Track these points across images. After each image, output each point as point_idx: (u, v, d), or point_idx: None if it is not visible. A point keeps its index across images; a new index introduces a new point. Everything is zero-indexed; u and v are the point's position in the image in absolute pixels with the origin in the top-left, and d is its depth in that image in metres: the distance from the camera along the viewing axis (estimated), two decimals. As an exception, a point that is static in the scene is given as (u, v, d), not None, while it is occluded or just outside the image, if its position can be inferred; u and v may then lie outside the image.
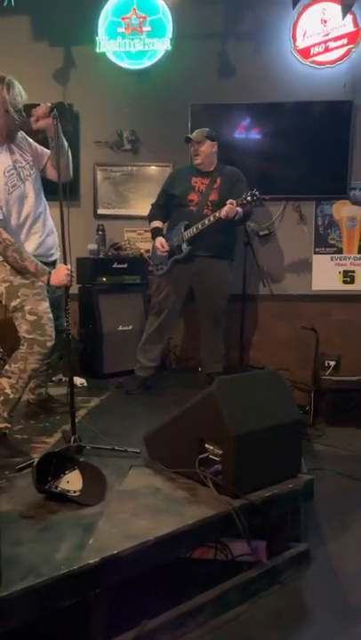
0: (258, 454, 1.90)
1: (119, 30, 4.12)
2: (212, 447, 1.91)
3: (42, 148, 2.50)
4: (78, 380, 3.64)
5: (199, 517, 1.72)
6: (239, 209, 3.17)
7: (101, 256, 4.08)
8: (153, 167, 4.29)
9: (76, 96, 4.20)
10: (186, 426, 2.01)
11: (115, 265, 4.02)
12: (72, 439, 2.26)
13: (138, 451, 2.26)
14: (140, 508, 1.79)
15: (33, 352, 2.31)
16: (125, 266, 4.04)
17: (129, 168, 4.32)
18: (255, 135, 4.10)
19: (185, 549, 1.75)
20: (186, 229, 3.35)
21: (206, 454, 1.92)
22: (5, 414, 2.32)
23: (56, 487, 1.87)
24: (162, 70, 4.14)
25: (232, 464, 1.83)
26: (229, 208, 3.12)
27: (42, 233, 2.47)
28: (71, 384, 2.33)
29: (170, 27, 4.06)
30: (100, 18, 4.10)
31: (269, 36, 4.08)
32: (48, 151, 2.47)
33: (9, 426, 2.34)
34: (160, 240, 3.43)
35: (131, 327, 3.98)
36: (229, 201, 3.14)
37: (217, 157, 3.48)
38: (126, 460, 2.22)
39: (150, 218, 3.60)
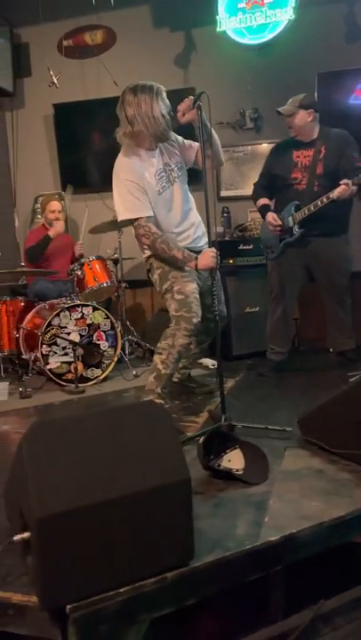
0: None
1: (240, 6, 4.04)
2: (378, 429, 1.83)
3: (191, 142, 2.58)
4: (210, 362, 3.69)
5: (372, 501, 1.66)
6: (355, 188, 2.87)
7: (227, 238, 4.08)
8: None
9: (197, 79, 4.20)
10: (348, 407, 1.93)
11: (240, 246, 4.01)
12: (223, 418, 2.29)
13: (290, 429, 2.23)
14: (307, 489, 1.76)
15: (180, 328, 2.42)
16: (251, 247, 4.00)
17: (251, 147, 4.25)
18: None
19: (357, 533, 1.69)
20: (297, 211, 3.15)
21: (372, 436, 1.84)
22: (159, 390, 2.42)
23: (218, 465, 1.90)
24: (285, 42, 4.02)
25: None
26: (343, 189, 2.85)
27: (190, 229, 2.59)
28: (220, 365, 2.35)
29: (293, -6, 3.91)
30: (219, -4, 4.06)
31: None
32: (197, 144, 2.51)
33: (162, 402, 2.42)
34: (272, 214, 3.23)
35: (257, 308, 3.95)
36: (344, 181, 2.86)
37: (318, 123, 3.15)
38: (278, 441, 2.20)
39: (255, 197, 3.40)
